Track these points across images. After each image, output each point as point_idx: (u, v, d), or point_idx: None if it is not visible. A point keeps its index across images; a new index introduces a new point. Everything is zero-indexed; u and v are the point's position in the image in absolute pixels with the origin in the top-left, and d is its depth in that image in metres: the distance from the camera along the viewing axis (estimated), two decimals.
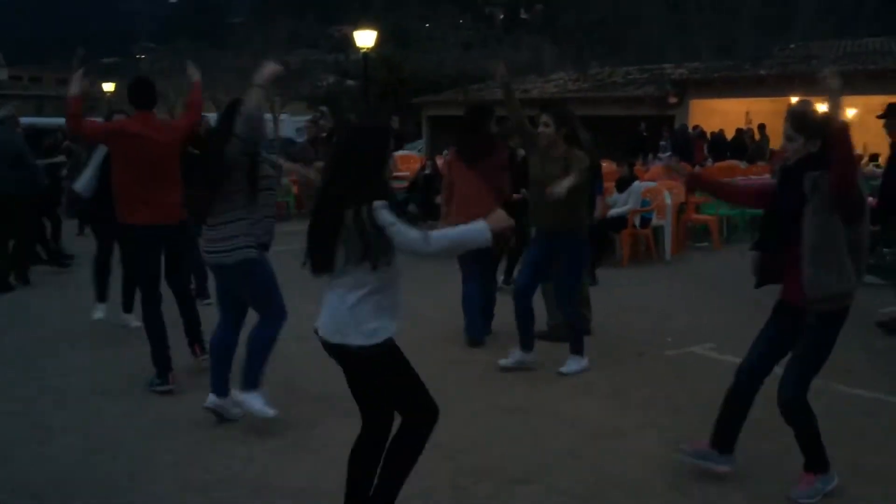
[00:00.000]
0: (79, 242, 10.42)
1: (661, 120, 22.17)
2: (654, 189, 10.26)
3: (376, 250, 2.96)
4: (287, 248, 5.38)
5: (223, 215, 4.43)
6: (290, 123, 23.77)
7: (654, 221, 10.16)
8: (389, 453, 3.23)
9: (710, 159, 18.52)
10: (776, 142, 16.67)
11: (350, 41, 18.05)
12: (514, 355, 5.64)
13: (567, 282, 5.61)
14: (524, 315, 5.60)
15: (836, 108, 3.37)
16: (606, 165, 11.34)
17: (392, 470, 3.22)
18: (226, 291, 4.68)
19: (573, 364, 5.58)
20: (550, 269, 5.64)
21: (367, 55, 18.89)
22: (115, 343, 6.34)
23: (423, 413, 3.21)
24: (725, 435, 3.85)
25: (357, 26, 20.40)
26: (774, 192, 3.74)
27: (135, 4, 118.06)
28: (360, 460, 3.26)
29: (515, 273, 7.11)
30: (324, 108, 14.15)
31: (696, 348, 6.17)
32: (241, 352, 4.65)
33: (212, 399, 4.62)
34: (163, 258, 5.39)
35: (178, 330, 5.55)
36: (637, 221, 9.96)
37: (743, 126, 20.86)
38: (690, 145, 19.49)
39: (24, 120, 11.68)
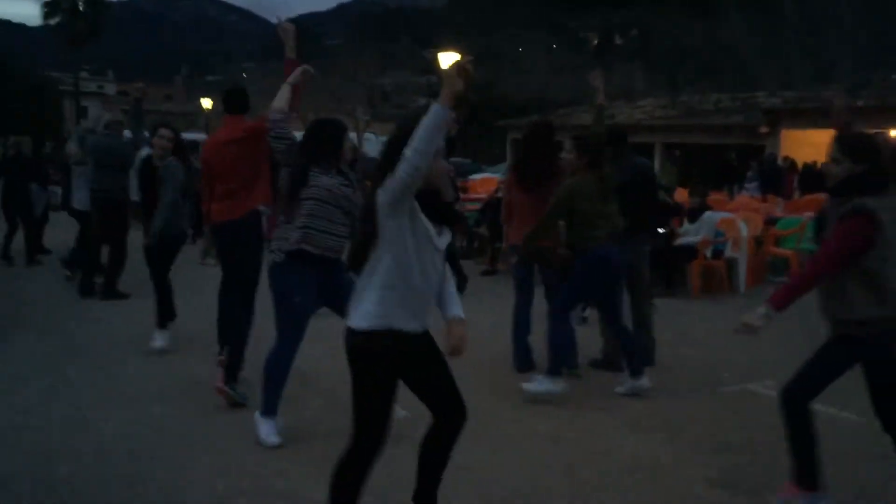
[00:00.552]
0: None
1: (752, 149, 21.60)
2: (729, 220, 9.99)
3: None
4: None
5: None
6: (375, 143, 24.18)
7: (729, 253, 9.89)
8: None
9: (797, 191, 17.94)
10: None
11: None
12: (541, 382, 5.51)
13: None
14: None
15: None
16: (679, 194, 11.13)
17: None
18: None
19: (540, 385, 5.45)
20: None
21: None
22: (171, 351, 6.54)
23: (367, 434, 3.12)
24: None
25: (451, 48, 20.64)
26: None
27: (238, 26, 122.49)
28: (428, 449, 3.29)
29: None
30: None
31: (753, 385, 5.95)
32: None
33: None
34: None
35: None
36: (709, 253, 9.70)
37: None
38: (780, 176, 18.92)
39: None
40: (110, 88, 63.08)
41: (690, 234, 9.64)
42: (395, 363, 3.05)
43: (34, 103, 38.77)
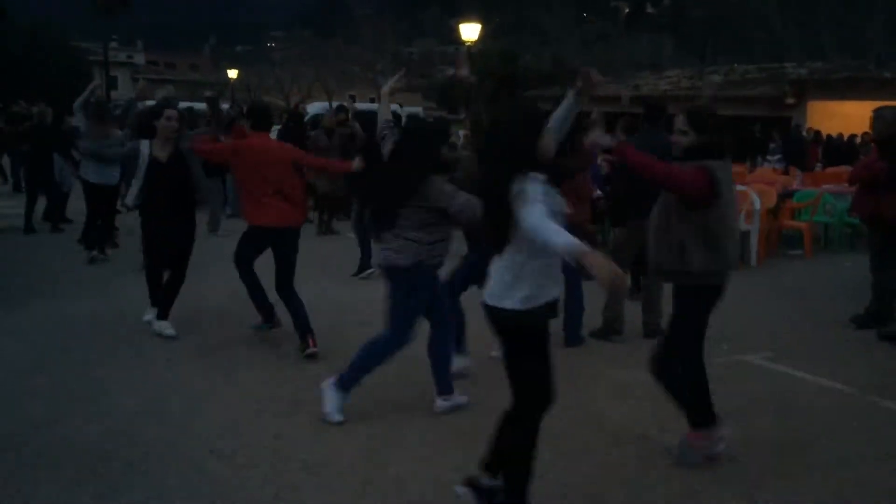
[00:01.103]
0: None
1: (778, 121, 21.36)
2: (743, 193, 9.97)
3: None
4: None
5: None
6: (399, 113, 24.20)
7: (742, 226, 9.89)
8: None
9: (820, 164, 17.75)
10: None
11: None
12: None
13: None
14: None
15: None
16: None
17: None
18: None
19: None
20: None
21: (471, 48, 19.03)
22: (188, 317, 6.73)
23: (531, 399, 3.34)
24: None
25: (478, 18, 20.54)
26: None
27: None
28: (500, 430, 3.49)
29: None
30: (345, 104, 14.60)
31: (750, 357, 6.04)
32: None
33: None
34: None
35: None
36: None
37: (868, 131, 19.82)
38: (804, 148, 18.71)
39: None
40: (139, 58, 63.58)
41: None
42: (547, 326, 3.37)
43: (64, 73, 39.17)
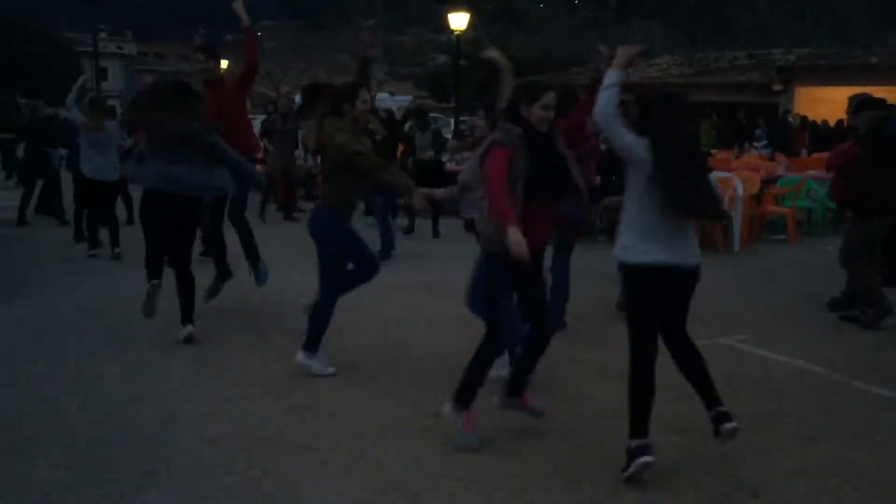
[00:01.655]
0: None
1: (765, 107, 21.52)
2: (725, 179, 10.12)
3: None
4: None
5: None
6: (390, 103, 24.23)
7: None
8: None
9: (806, 150, 17.92)
10: None
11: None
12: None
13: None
14: None
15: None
16: None
17: None
18: None
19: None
20: None
21: (459, 37, 19.09)
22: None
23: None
24: None
25: (467, 7, 20.52)
26: None
27: None
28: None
29: None
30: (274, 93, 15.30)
31: (727, 340, 6.18)
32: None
33: None
34: None
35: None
36: None
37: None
38: (790, 134, 18.88)
39: None
40: (130, 48, 63.33)
41: None
42: None
43: (54, 65, 39.07)
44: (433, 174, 10.73)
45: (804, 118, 19.92)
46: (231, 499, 3.67)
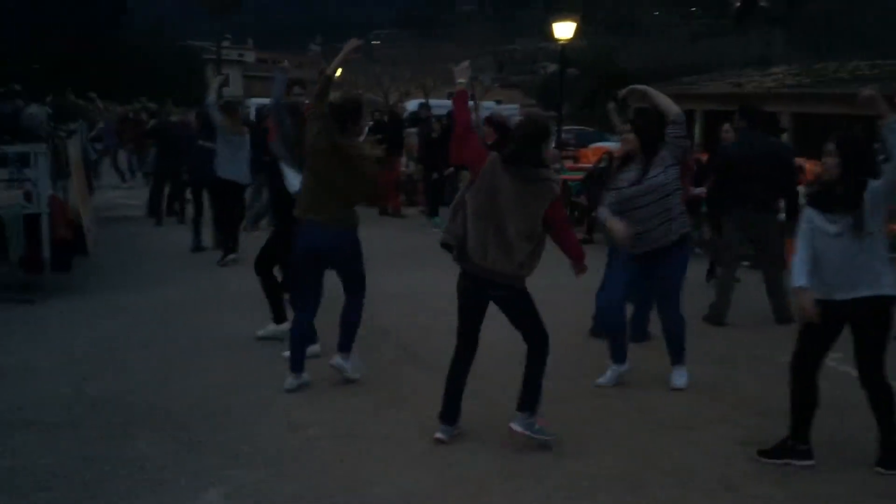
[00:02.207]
0: None
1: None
2: None
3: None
4: None
5: None
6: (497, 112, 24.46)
7: None
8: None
9: None
10: None
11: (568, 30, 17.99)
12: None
13: None
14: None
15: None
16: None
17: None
18: None
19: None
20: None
21: (565, 47, 19.10)
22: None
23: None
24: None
25: (578, 16, 20.43)
26: None
27: None
28: None
29: None
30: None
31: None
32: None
33: None
34: None
35: None
36: None
37: None
38: None
39: None
40: (250, 56, 65.89)
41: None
42: None
43: (180, 71, 41.17)
44: None
45: None
46: (309, 480, 3.92)
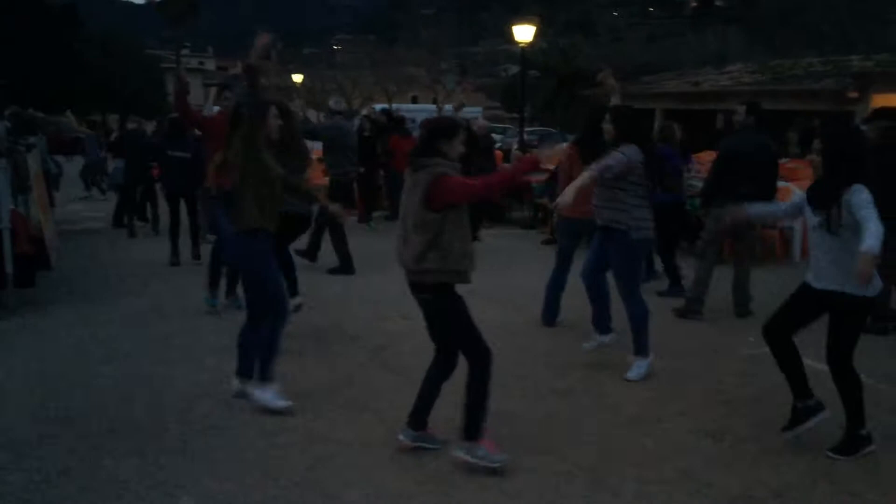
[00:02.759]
0: None
1: (842, 115, 21.03)
2: (784, 189, 10.05)
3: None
4: None
5: None
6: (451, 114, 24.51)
7: (787, 222, 9.99)
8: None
9: None
10: None
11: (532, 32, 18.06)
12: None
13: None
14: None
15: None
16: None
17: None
18: None
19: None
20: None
21: (525, 49, 19.22)
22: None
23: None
24: None
25: (540, 17, 20.47)
26: None
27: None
28: None
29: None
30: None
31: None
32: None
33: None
34: None
35: None
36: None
37: None
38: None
39: None
40: (210, 64, 65.48)
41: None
42: None
43: (138, 81, 40.77)
44: None
45: None
46: (282, 486, 3.97)
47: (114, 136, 14.07)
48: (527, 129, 21.99)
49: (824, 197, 4.17)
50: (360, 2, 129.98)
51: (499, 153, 16.42)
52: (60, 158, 15.33)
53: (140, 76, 42.36)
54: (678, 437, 4.55)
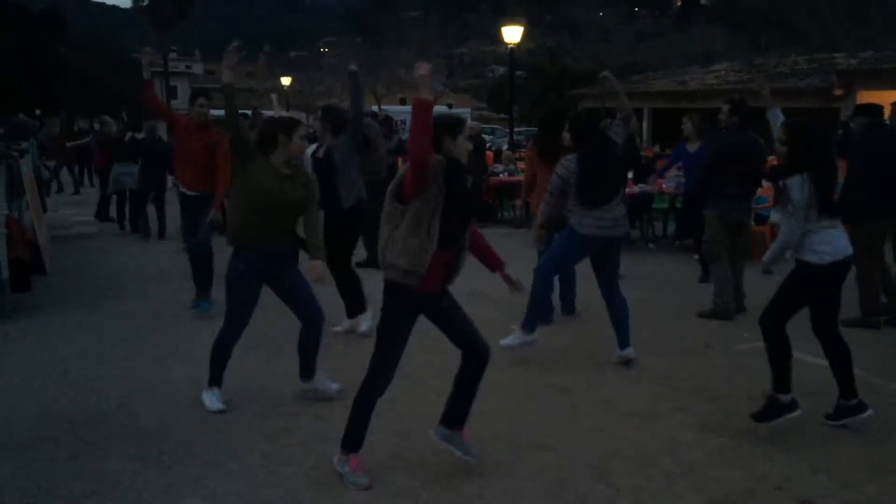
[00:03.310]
0: None
1: (826, 113, 21.22)
2: (769, 187, 10.16)
3: None
4: None
5: None
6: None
7: (774, 218, 10.07)
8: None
9: None
10: None
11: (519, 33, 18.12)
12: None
13: None
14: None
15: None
16: None
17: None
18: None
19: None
20: None
21: (514, 50, 19.32)
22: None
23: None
24: None
25: (527, 18, 20.65)
26: None
27: (319, 2, 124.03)
28: None
29: None
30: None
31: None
32: None
33: None
34: None
35: None
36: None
37: None
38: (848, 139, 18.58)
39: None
40: (198, 68, 65.23)
41: None
42: None
43: (125, 85, 40.59)
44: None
45: None
46: (285, 486, 4.00)
47: (129, 137, 14.08)
48: (516, 129, 22.08)
49: (774, 175, 4.72)
50: (346, 4, 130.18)
51: (489, 154, 16.51)
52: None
53: (126, 80, 42.16)
54: (677, 432, 4.61)
